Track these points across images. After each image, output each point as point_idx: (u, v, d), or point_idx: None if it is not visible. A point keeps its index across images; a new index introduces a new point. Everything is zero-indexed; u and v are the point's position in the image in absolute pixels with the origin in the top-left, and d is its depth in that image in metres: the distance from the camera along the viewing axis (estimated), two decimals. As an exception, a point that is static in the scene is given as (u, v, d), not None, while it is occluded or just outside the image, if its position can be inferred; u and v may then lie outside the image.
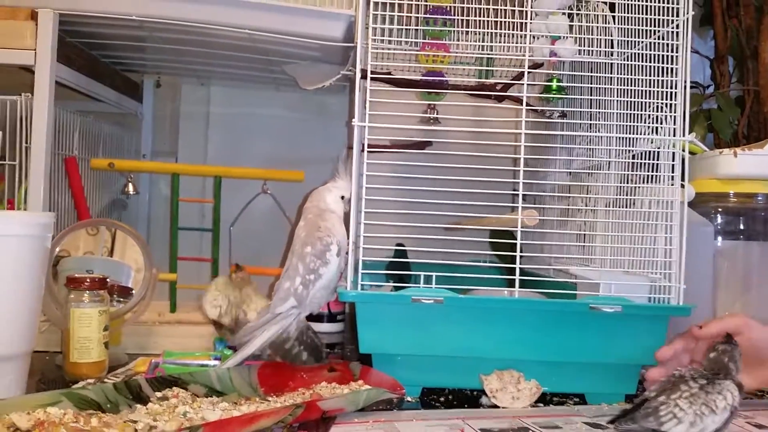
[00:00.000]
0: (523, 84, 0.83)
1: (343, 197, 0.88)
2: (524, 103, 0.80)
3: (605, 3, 0.96)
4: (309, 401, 0.66)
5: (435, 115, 1.01)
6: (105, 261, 1.09)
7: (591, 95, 0.95)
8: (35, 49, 1.05)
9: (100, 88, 1.33)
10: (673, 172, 0.84)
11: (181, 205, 1.20)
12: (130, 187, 1.25)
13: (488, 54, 0.91)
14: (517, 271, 0.79)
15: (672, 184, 0.84)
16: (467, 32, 0.95)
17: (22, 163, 1.05)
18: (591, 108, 0.95)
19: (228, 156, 1.57)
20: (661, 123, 0.85)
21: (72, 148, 1.23)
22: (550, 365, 0.81)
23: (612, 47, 0.93)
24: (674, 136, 0.83)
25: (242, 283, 1.02)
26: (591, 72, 0.92)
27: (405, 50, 0.95)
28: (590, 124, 0.96)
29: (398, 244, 1.07)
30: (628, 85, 0.91)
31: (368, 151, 0.81)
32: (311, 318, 1.25)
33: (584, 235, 0.99)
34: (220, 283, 0.98)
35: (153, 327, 1.04)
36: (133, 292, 1.02)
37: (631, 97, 0.89)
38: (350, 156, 0.86)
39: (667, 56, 0.85)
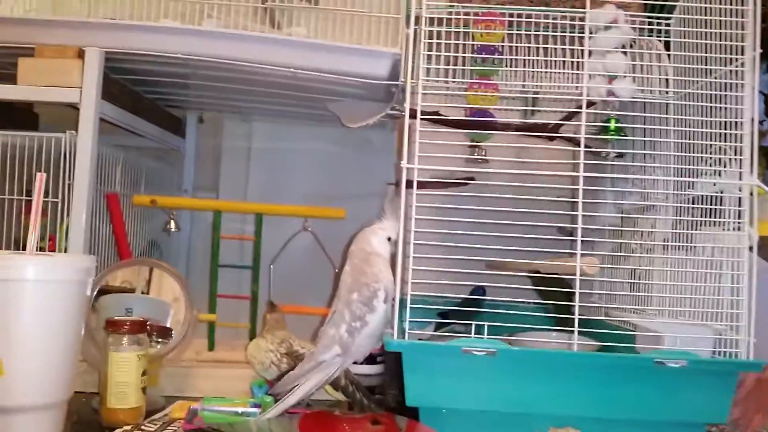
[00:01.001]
0: (577, 124, 0.80)
1: (389, 239, 0.85)
2: (582, 144, 0.76)
3: (660, 41, 0.93)
4: (355, 461, 0.62)
5: (483, 156, 0.97)
6: (144, 299, 1.07)
7: (646, 136, 0.91)
8: (81, 87, 1.05)
9: (143, 124, 1.33)
10: (740, 217, 0.79)
11: (222, 241, 1.19)
12: (172, 224, 1.24)
13: (541, 93, 0.88)
14: (576, 323, 0.75)
15: (739, 229, 0.79)
16: (517, 71, 0.92)
17: (65, 200, 1.04)
18: (647, 149, 0.91)
19: (269, 191, 1.55)
20: (725, 165, 0.81)
21: (114, 184, 1.23)
22: (610, 423, 0.76)
23: (669, 86, 0.89)
24: (741, 179, 0.79)
25: (276, 326, 1.00)
26: (647, 112, 0.88)
27: (453, 90, 0.93)
28: (646, 165, 0.92)
29: (475, 289, 1.02)
30: (687, 126, 0.87)
31: (417, 194, 0.78)
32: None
33: (639, 281, 0.94)
34: (253, 348, 0.96)
35: (190, 369, 1.01)
36: (173, 332, 1.00)
37: (690, 138, 0.85)
38: (397, 195, 0.83)
39: (731, 96, 0.81)
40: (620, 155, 0.90)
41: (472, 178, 1.13)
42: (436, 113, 0.88)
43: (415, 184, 0.77)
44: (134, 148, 1.41)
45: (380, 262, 0.82)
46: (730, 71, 0.82)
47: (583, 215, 0.79)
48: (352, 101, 1.22)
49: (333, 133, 1.57)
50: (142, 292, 1.06)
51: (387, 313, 0.81)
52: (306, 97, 1.27)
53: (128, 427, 0.79)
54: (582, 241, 0.78)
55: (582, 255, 0.75)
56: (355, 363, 1.20)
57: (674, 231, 0.89)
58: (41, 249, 1.00)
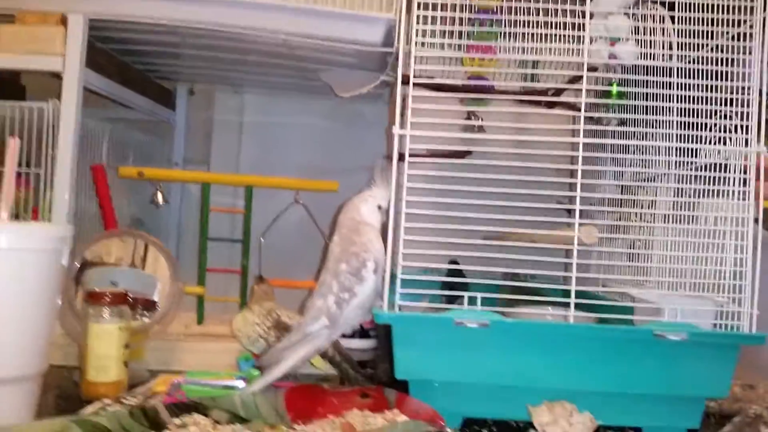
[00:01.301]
0: (578, 89, 0.77)
1: (380, 207, 0.81)
2: (582, 110, 0.72)
3: (663, 4, 0.89)
4: (340, 435, 0.59)
5: (480, 122, 0.94)
6: (131, 272, 1.05)
7: (648, 102, 0.88)
8: (64, 55, 1.02)
9: (132, 95, 1.30)
10: (745, 186, 0.76)
11: (212, 214, 1.16)
12: (159, 197, 1.21)
13: (541, 57, 0.84)
14: (573, 294, 0.72)
15: (744, 199, 0.76)
16: (516, 34, 0.88)
17: (47, 171, 1.01)
18: (649, 116, 0.87)
19: (261, 164, 1.53)
20: (731, 132, 0.78)
21: (101, 157, 1.20)
22: (606, 396, 0.73)
23: (673, 49, 0.85)
24: (747, 146, 0.75)
25: (264, 297, 0.98)
26: (650, 76, 0.85)
27: (449, 55, 0.89)
28: (647, 132, 0.88)
29: (451, 261, 0.98)
30: (691, 91, 0.83)
31: (409, 162, 0.75)
32: (342, 335, 1.19)
33: (637, 253, 0.91)
34: (240, 321, 0.93)
35: (177, 342, 0.99)
36: (159, 306, 0.98)
37: (694, 104, 0.82)
38: (388, 164, 0.79)
39: (738, 59, 0.77)
40: (621, 122, 0.87)
41: (468, 153, 1.11)
42: (431, 79, 0.84)
43: (407, 150, 0.74)
44: (123, 121, 1.38)
45: (370, 231, 0.79)
46: (738, 34, 0.78)
47: (582, 184, 0.76)
48: (345, 70, 1.18)
49: (326, 106, 1.54)
50: (133, 265, 1.04)
51: (377, 285, 0.78)
52: (298, 67, 1.24)
53: (108, 401, 0.77)
54: (580, 211, 0.75)
55: (580, 225, 0.72)
56: (347, 337, 1.18)
57: (676, 200, 0.86)
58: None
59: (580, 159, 0.74)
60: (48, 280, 0.67)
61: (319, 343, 0.79)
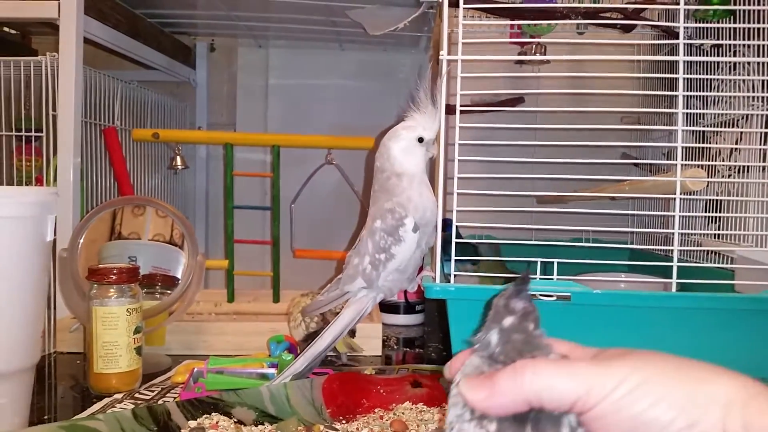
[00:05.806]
0: (670, 6, 0.61)
1: (421, 140, 0.64)
2: (682, 32, 0.57)
3: None
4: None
5: (543, 55, 0.78)
6: (150, 246, 0.94)
7: (739, 20, 0.72)
8: (59, 0, 0.90)
9: (145, 50, 1.18)
10: None
11: (242, 183, 1.04)
12: (178, 161, 1.09)
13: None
14: (675, 255, 0.57)
15: None
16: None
17: (50, 135, 0.90)
18: (742, 38, 0.71)
19: (291, 125, 1.41)
20: None
21: (113, 119, 1.09)
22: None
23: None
24: None
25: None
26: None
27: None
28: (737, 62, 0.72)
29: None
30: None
31: (462, 110, 0.61)
32: (385, 308, 1.07)
33: (728, 207, 0.76)
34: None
35: (201, 324, 0.88)
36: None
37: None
38: (439, 74, 0.63)
39: None
40: (716, 46, 0.71)
41: (521, 99, 0.97)
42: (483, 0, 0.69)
43: (458, 76, 0.60)
44: (145, 84, 1.27)
45: (406, 180, 0.64)
46: None
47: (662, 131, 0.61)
48: (376, 7, 1.04)
49: (358, 58, 1.41)
50: (171, 243, 0.94)
51: (420, 243, 0.64)
52: (324, 8, 1.09)
53: (119, 395, 0.66)
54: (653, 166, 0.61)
55: (687, 166, 0.57)
56: (392, 313, 1.07)
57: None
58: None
59: (680, 98, 0.58)
60: (26, 255, 0.55)
61: (362, 306, 0.67)
